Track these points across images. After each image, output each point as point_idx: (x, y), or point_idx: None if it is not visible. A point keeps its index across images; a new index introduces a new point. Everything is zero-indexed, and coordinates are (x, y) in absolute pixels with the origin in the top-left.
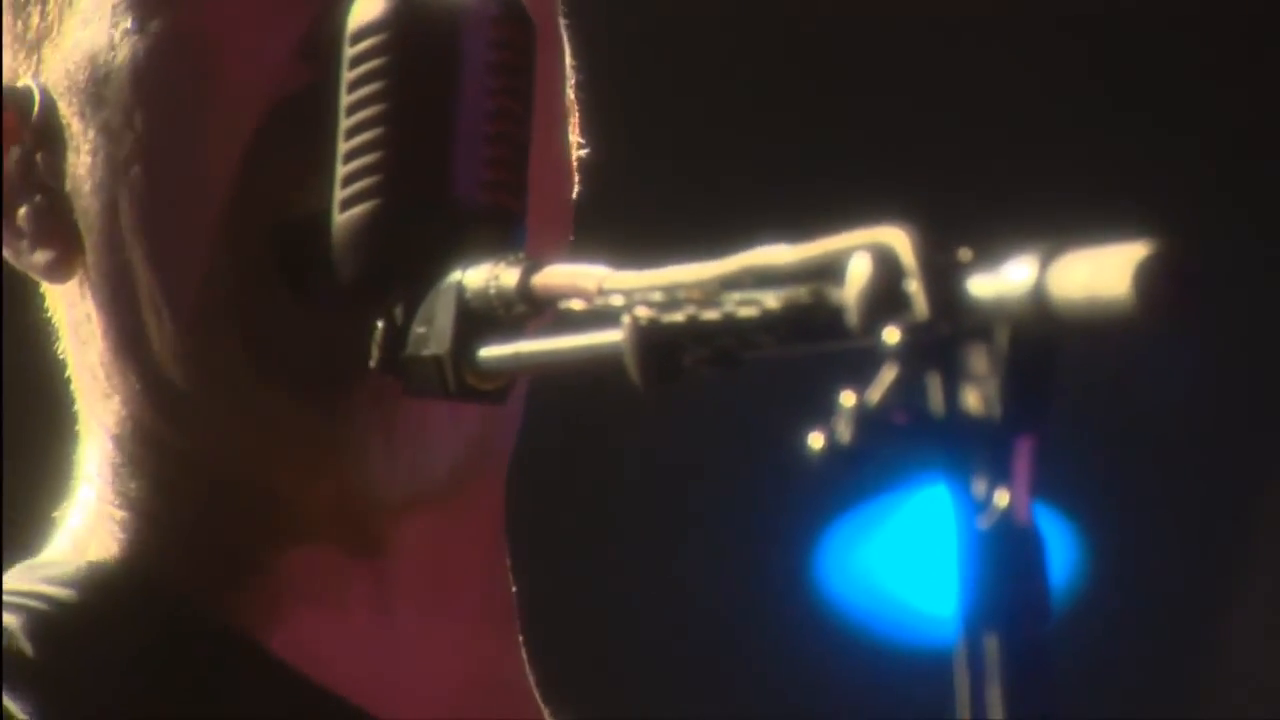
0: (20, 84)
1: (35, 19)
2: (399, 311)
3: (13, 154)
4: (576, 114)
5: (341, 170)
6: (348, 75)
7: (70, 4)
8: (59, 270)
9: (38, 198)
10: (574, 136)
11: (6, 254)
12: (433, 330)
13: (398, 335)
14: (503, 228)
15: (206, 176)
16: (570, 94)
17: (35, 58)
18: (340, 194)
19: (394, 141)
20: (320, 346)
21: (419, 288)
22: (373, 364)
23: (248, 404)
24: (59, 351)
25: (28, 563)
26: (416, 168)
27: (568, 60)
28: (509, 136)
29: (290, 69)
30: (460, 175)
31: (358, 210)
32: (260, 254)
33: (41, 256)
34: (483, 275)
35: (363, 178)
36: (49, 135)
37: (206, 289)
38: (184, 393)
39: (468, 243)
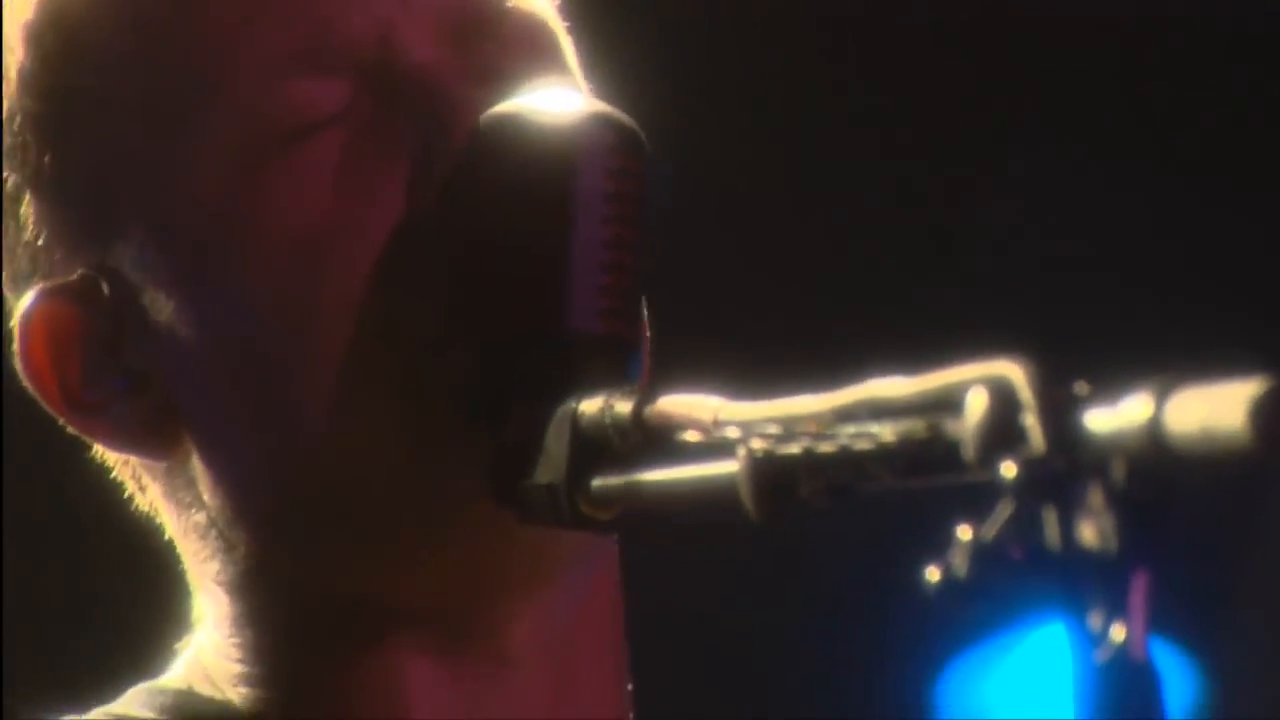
0: (76, 275)
1: (90, 208)
2: (514, 440)
3: (95, 347)
4: None
5: (459, 298)
6: (466, 203)
7: (133, 188)
8: (162, 448)
9: (128, 382)
10: None
11: (107, 446)
12: (547, 459)
13: (513, 464)
14: (618, 356)
15: (326, 331)
16: None
17: (98, 246)
18: (458, 322)
19: (510, 269)
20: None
21: (534, 416)
22: (486, 492)
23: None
24: (138, 510)
25: (145, 685)
26: (532, 296)
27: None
28: (624, 264)
29: (395, 209)
30: (576, 304)
31: (475, 338)
32: (388, 390)
33: (144, 439)
34: (598, 404)
35: (480, 305)
36: (127, 317)
37: (339, 427)
38: (309, 518)
39: (583, 371)
